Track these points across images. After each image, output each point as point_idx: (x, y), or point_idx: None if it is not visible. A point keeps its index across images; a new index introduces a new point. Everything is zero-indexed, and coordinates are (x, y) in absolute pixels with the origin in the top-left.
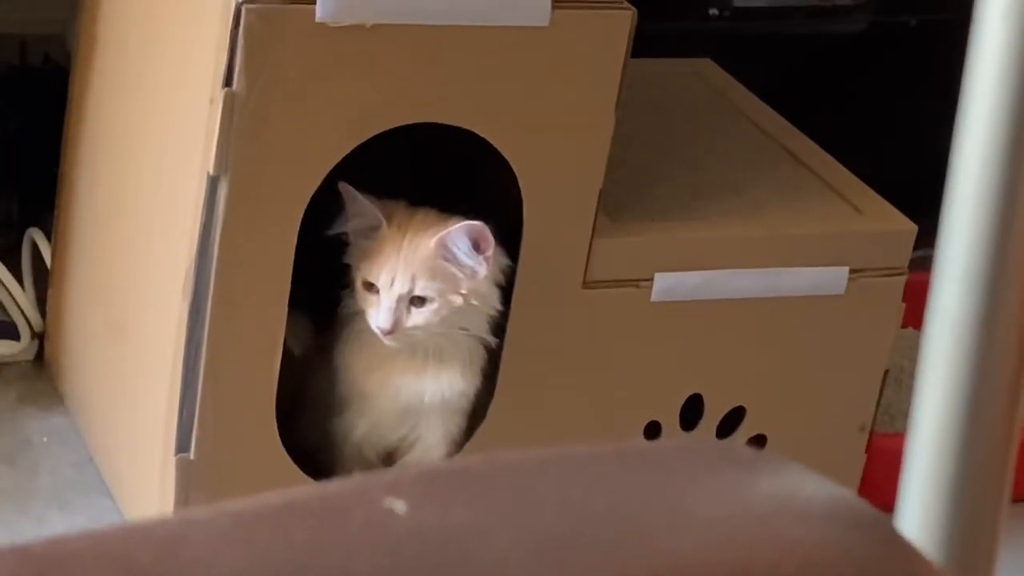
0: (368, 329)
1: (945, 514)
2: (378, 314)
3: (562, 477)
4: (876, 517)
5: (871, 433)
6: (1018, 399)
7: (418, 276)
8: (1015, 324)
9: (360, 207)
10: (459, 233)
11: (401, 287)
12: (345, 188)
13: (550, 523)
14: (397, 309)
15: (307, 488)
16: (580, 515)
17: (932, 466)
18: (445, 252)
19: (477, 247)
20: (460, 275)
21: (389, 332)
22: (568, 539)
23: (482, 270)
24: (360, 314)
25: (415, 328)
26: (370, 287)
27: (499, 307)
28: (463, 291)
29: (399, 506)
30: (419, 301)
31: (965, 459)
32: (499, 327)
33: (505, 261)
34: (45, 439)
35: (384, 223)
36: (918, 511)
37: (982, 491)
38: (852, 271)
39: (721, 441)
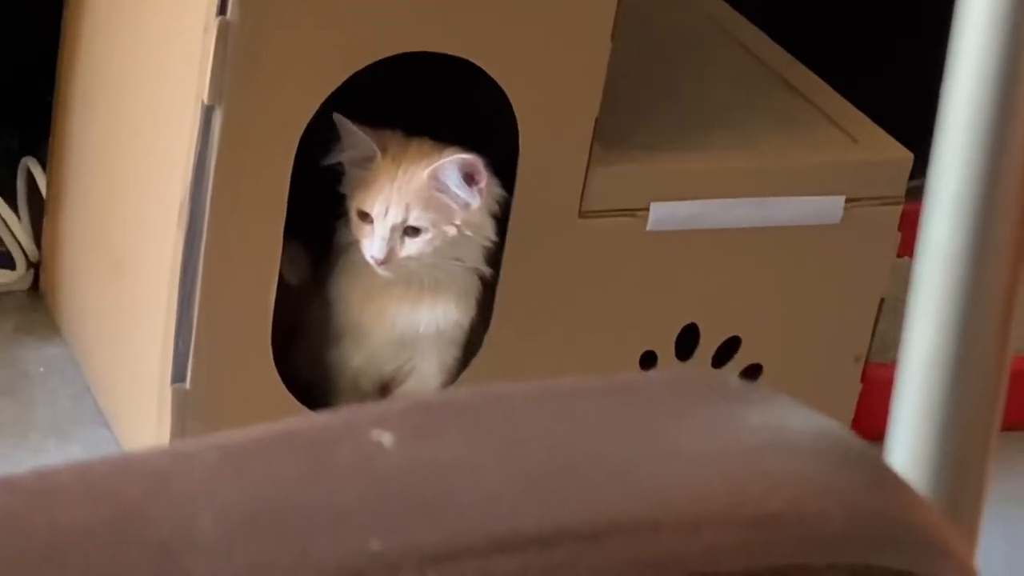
0: (363, 260)
1: (935, 444)
2: (372, 244)
3: (551, 411)
4: (864, 450)
5: (866, 363)
6: (1008, 329)
7: (412, 206)
8: (1006, 255)
9: (354, 138)
10: (452, 165)
11: (395, 217)
12: (339, 119)
13: (538, 458)
14: (391, 239)
15: (295, 421)
16: (568, 450)
17: (922, 397)
18: (438, 184)
19: (470, 179)
20: (454, 206)
21: (383, 262)
22: (556, 474)
23: (475, 202)
24: (355, 245)
25: (408, 258)
26: (364, 216)
27: (493, 238)
28: (457, 222)
29: (387, 439)
30: (413, 231)
31: (955, 390)
32: (493, 257)
33: (499, 192)
34: (42, 370)
35: (378, 153)
36: (908, 441)
37: (972, 421)
38: (848, 200)
39: (711, 374)
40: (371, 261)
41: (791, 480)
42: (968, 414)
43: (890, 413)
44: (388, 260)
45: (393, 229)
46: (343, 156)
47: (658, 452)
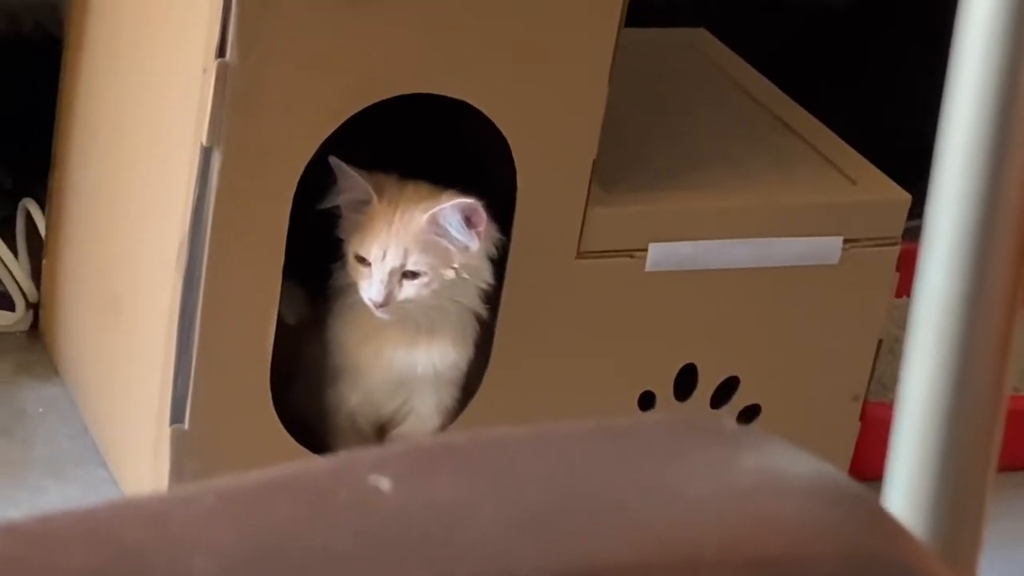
0: (360, 302)
1: (933, 485)
2: (370, 287)
3: (546, 454)
4: (859, 492)
5: (865, 402)
6: (1005, 370)
7: (410, 250)
8: (1002, 297)
9: (350, 181)
10: (452, 210)
11: (393, 261)
12: (335, 162)
13: (533, 500)
14: (389, 283)
15: (292, 465)
16: (563, 492)
17: (920, 437)
18: (437, 228)
19: (469, 222)
20: (452, 249)
21: (382, 305)
22: (551, 516)
23: (474, 245)
24: (352, 287)
25: (407, 301)
26: (362, 260)
27: (491, 280)
28: (455, 265)
29: (384, 483)
30: (411, 275)
31: (953, 430)
32: (491, 299)
33: (497, 235)
34: (41, 410)
35: (375, 197)
36: (906, 481)
37: (970, 462)
38: (846, 241)
39: (705, 416)
40: (370, 304)
41: (786, 522)
42: (965, 454)
43: (888, 453)
44: (386, 303)
45: (391, 273)
46: (339, 200)
47: (653, 495)
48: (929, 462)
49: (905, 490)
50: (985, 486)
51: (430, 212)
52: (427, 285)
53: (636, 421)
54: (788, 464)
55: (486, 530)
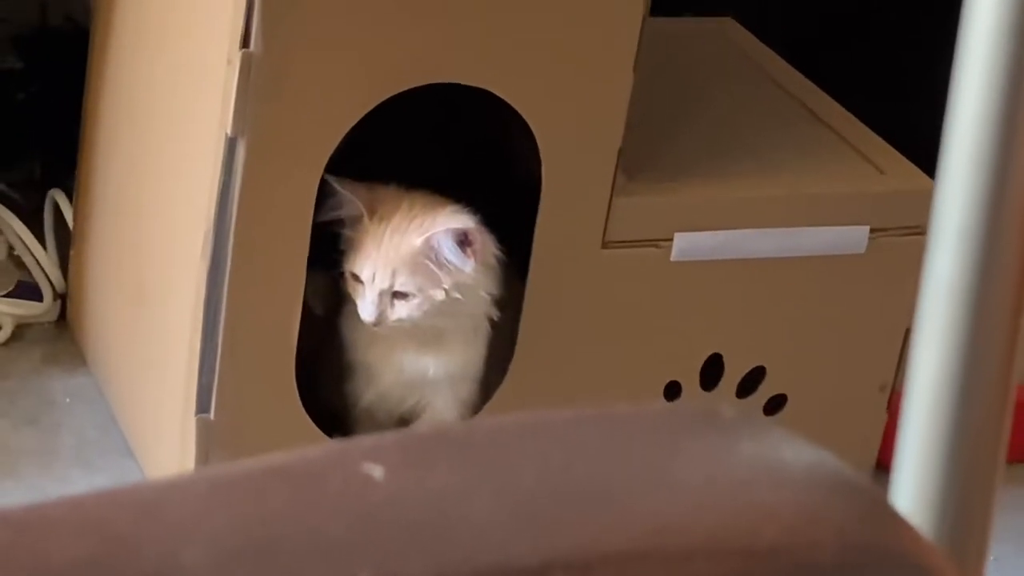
0: None
1: (940, 476)
2: (363, 306)
3: (542, 441)
4: (858, 481)
5: (892, 392)
6: (1012, 363)
7: (398, 272)
8: (1010, 286)
9: (341, 199)
10: (443, 235)
11: (382, 282)
12: (328, 179)
13: (529, 488)
14: (380, 302)
15: (286, 454)
16: (559, 479)
17: (927, 427)
18: (429, 252)
19: (463, 244)
20: (441, 273)
21: (375, 324)
22: (546, 503)
23: (468, 267)
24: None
25: (399, 320)
26: (355, 278)
27: (494, 291)
28: (445, 286)
29: (377, 471)
30: (401, 295)
31: (960, 421)
32: (501, 304)
33: (493, 250)
34: (68, 400)
35: (366, 215)
36: (913, 475)
37: (977, 456)
38: (873, 230)
39: (704, 405)
40: (365, 321)
41: (783, 511)
42: (973, 447)
43: (895, 444)
44: (379, 323)
45: (381, 293)
46: (331, 216)
47: (650, 483)
48: (936, 455)
49: (912, 483)
50: (994, 480)
51: (423, 236)
52: (418, 306)
53: (635, 409)
54: (787, 453)
55: (479, 518)
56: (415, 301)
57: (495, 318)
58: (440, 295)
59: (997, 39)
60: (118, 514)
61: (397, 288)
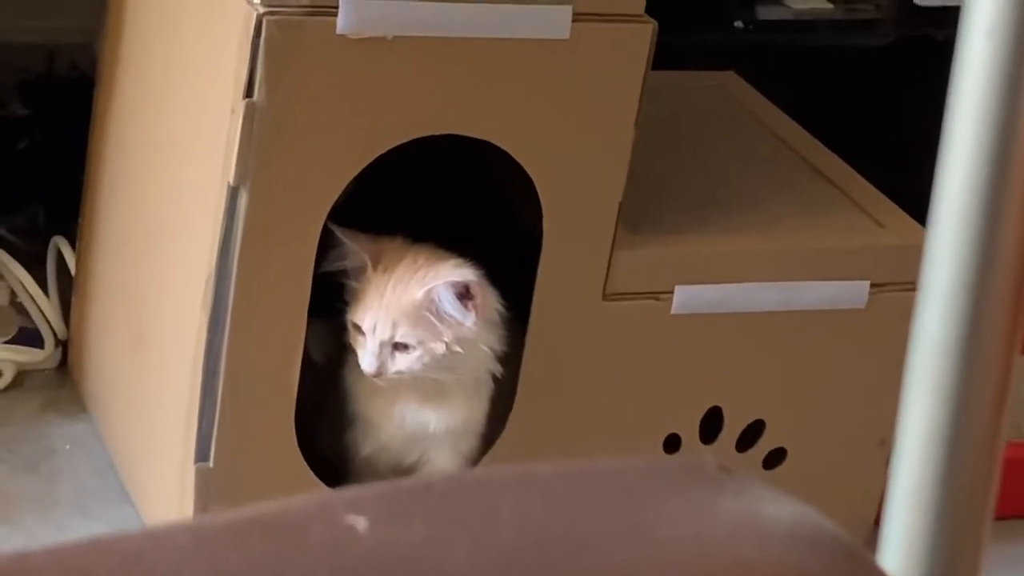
0: None
1: (929, 533)
2: (364, 357)
3: (524, 495)
4: (840, 538)
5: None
6: (1002, 419)
7: (399, 323)
8: (999, 344)
9: (346, 249)
10: (444, 288)
11: (383, 333)
12: (333, 229)
13: (509, 541)
14: (381, 354)
15: (269, 504)
16: (539, 533)
17: (916, 484)
18: (430, 304)
19: (463, 298)
20: (441, 326)
21: (375, 376)
22: (526, 557)
23: (469, 321)
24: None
25: (399, 373)
26: (357, 328)
27: (496, 347)
28: (446, 340)
29: (360, 523)
30: (402, 347)
31: (949, 478)
32: (506, 359)
33: (496, 305)
34: (68, 447)
35: (370, 266)
36: (901, 532)
37: (966, 513)
38: (873, 285)
39: (688, 458)
40: (365, 373)
41: (763, 566)
42: (962, 504)
43: (885, 501)
44: (379, 375)
45: (382, 344)
46: (335, 266)
47: (631, 537)
48: (925, 511)
49: (900, 539)
50: (982, 537)
51: (424, 289)
52: (419, 359)
53: (618, 463)
54: (769, 508)
55: (459, 570)
56: (415, 354)
57: (498, 375)
58: (441, 348)
59: (985, 96)
60: (101, 563)
61: (398, 340)
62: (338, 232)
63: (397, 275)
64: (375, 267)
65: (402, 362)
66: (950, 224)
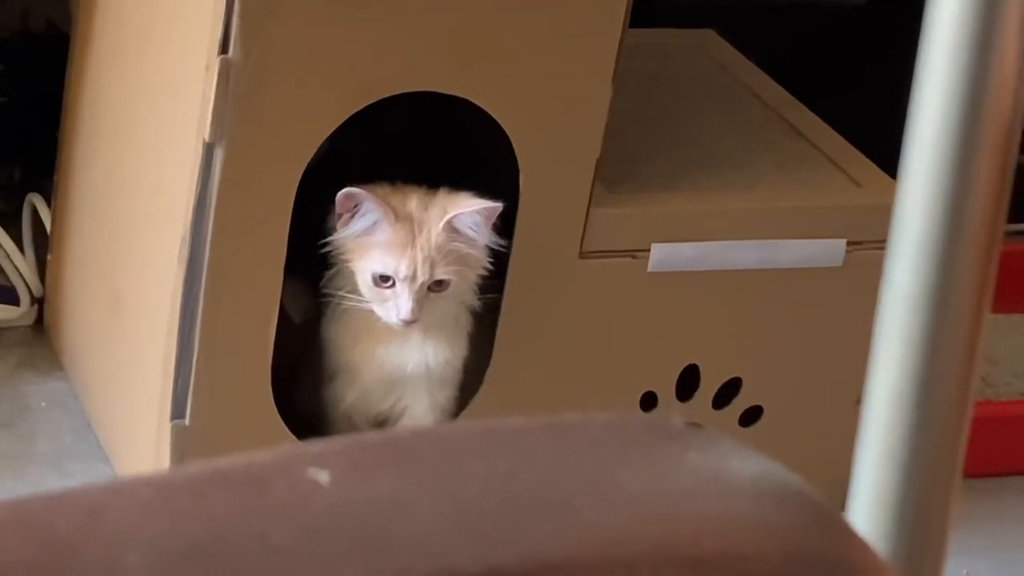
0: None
1: (897, 492)
2: (401, 307)
3: (489, 450)
4: (805, 493)
5: None
6: (971, 376)
7: (436, 263)
8: (969, 298)
9: (369, 206)
10: (468, 215)
11: (423, 275)
12: (353, 193)
13: (473, 496)
14: (420, 298)
15: (232, 458)
16: (504, 488)
17: (884, 443)
18: (456, 235)
19: (487, 221)
20: (472, 252)
21: (412, 321)
22: (491, 512)
23: (483, 240)
24: (343, 290)
25: (431, 311)
26: (384, 280)
27: (488, 266)
28: (480, 263)
29: (323, 477)
30: (437, 285)
31: (918, 434)
32: (484, 291)
33: (496, 237)
34: (44, 404)
35: (392, 216)
36: (870, 488)
37: (935, 469)
38: (850, 243)
39: (652, 415)
40: (398, 324)
41: (727, 521)
42: (931, 460)
43: (853, 459)
44: (416, 319)
45: (422, 287)
46: (347, 231)
47: (595, 492)
48: (893, 468)
49: (869, 495)
50: (951, 494)
51: (447, 218)
52: (453, 290)
53: (583, 419)
54: (734, 463)
55: (423, 526)
56: (451, 288)
57: (477, 308)
58: (473, 275)
59: (955, 52)
60: (61, 517)
61: (438, 277)
62: (360, 192)
63: (417, 218)
64: (398, 217)
65: (436, 299)
66: (920, 177)
